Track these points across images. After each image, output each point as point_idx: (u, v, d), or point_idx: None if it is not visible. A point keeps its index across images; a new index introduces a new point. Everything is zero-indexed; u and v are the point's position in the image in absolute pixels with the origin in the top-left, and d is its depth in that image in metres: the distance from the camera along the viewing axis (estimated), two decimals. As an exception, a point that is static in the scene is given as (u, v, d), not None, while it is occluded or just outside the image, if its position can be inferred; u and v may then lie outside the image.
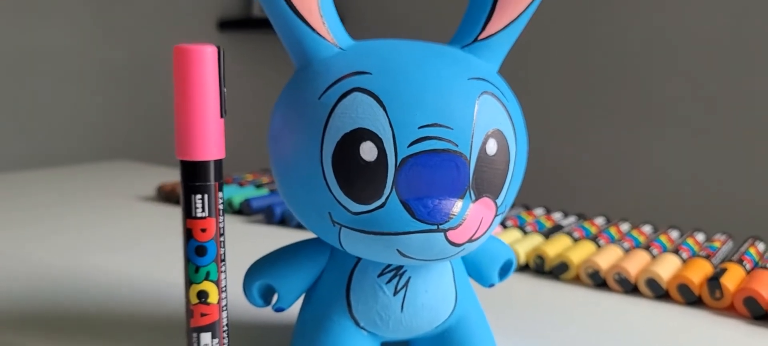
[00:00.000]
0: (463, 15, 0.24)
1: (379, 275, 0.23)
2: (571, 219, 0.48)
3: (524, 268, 0.39)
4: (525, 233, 0.43)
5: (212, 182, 0.21)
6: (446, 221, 0.20)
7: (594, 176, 1.33)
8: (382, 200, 0.20)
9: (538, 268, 0.38)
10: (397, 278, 0.23)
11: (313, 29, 0.22)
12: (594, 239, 0.41)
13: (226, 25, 1.55)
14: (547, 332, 0.30)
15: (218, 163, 0.21)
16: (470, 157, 0.21)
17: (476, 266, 0.26)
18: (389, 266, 0.23)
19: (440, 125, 0.20)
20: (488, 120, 0.21)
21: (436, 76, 0.21)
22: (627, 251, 0.39)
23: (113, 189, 0.64)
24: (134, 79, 1.40)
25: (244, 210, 0.52)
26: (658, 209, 1.18)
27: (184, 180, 0.21)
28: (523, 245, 0.39)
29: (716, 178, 1.19)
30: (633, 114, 1.29)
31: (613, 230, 0.44)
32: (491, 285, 0.27)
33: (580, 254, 0.38)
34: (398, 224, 0.20)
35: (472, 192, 0.21)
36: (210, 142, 0.21)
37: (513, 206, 0.52)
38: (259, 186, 0.59)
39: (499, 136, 0.21)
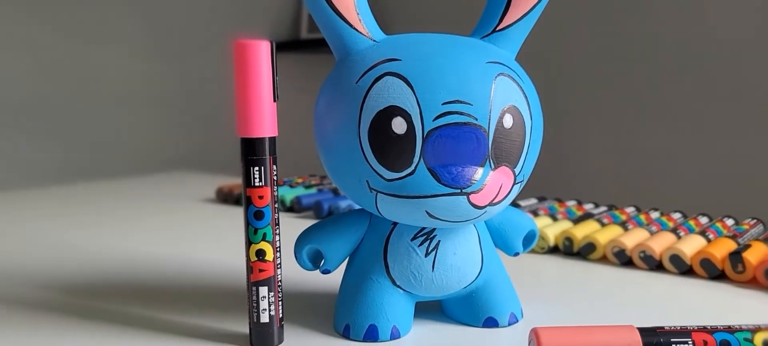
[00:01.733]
0: (483, 9, 0.27)
1: (412, 239, 0.26)
2: (602, 209, 0.50)
3: (554, 249, 0.41)
4: (555, 219, 0.45)
5: (267, 156, 0.24)
6: (468, 186, 0.23)
7: (629, 171, 1.33)
8: (412, 167, 0.23)
9: (567, 249, 0.40)
10: (428, 242, 0.26)
11: (350, 25, 0.25)
12: (622, 224, 0.43)
13: (285, 46, 1.62)
14: (574, 304, 0.32)
15: (272, 140, 0.25)
16: (489, 130, 0.24)
17: (501, 235, 0.29)
18: (421, 230, 0.26)
19: (461, 101, 0.23)
20: (504, 97, 0.24)
21: (458, 60, 0.24)
22: (653, 233, 0.40)
23: (177, 194, 0.69)
24: (190, 97, 1.48)
25: (294, 207, 0.56)
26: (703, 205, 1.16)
27: (244, 155, 0.24)
28: (552, 229, 0.42)
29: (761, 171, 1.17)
30: (678, 110, 1.29)
31: (642, 217, 0.45)
32: (516, 254, 0.30)
33: (607, 235, 0.40)
34: (426, 188, 0.23)
35: (491, 161, 0.24)
36: (265, 122, 0.24)
37: (545, 198, 0.54)
38: (308, 187, 0.63)
39: (514, 111, 0.24)
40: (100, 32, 1.38)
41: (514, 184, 0.25)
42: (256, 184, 0.24)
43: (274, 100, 0.25)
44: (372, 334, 0.26)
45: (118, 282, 0.35)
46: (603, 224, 0.43)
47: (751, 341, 0.22)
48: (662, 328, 0.23)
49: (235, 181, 0.68)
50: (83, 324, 0.29)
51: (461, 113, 0.23)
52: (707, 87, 1.24)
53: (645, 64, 1.32)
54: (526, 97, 0.25)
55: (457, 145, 0.23)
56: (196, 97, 1.48)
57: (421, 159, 0.23)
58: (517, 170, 0.25)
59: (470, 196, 0.24)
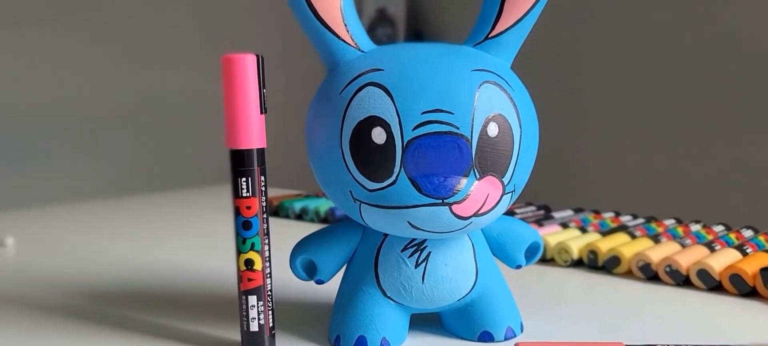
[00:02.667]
0: (477, 17, 0.27)
1: (403, 250, 0.26)
2: (639, 221, 0.48)
3: (578, 263, 0.40)
4: (585, 231, 0.43)
5: (255, 167, 0.25)
6: (451, 196, 0.23)
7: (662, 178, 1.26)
8: (393, 177, 0.23)
9: (591, 263, 0.39)
10: (418, 253, 0.26)
11: (338, 36, 0.25)
12: (655, 236, 0.41)
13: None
14: (584, 320, 0.31)
15: (260, 151, 0.25)
16: (471, 139, 0.23)
17: (501, 246, 0.28)
18: (412, 241, 0.26)
19: (442, 110, 0.23)
20: (489, 105, 0.23)
21: (441, 68, 0.24)
22: (686, 246, 0.38)
23: (221, 206, 0.71)
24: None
25: (328, 218, 0.57)
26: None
27: (232, 166, 0.25)
28: (577, 242, 0.40)
29: None
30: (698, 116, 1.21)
31: (679, 229, 0.43)
32: (518, 266, 0.29)
33: (633, 248, 0.38)
34: (407, 198, 0.23)
35: (476, 170, 0.23)
36: (253, 134, 0.25)
37: (581, 209, 0.52)
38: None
39: (500, 119, 0.24)
40: (155, 50, 1.45)
41: (504, 194, 0.24)
42: (244, 194, 0.25)
43: (262, 113, 0.25)
44: (361, 345, 0.26)
45: (140, 290, 0.37)
46: (633, 237, 0.41)
47: (752, 363, 0.21)
48: (654, 346, 0.21)
49: (275, 193, 0.69)
50: (111, 331, 0.30)
51: (442, 122, 0.23)
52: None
53: (711, 69, 1.25)
54: (514, 105, 0.24)
55: (438, 155, 0.23)
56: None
57: (402, 169, 0.23)
58: (505, 180, 0.24)
59: (452, 206, 0.23)
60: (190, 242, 0.51)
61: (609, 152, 1.40)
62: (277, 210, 0.61)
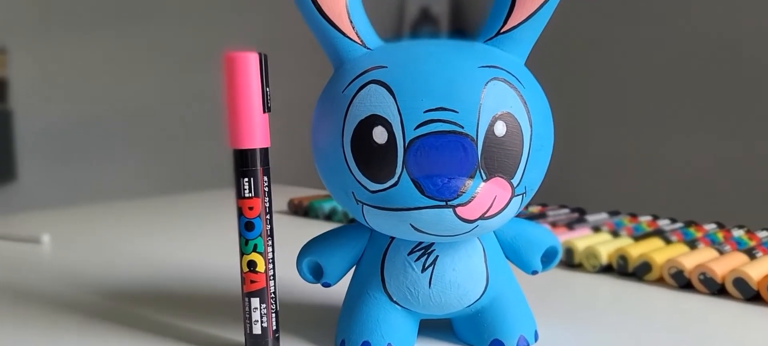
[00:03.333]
0: (489, 10, 0.26)
1: (409, 253, 0.25)
2: (678, 225, 0.45)
3: (607, 269, 0.38)
4: (617, 235, 0.41)
5: (258, 167, 0.25)
6: (455, 198, 0.22)
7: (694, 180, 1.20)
8: (395, 178, 0.22)
9: (621, 269, 0.37)
10: (425, 256, 0.25)
11: (343, 33, 0.25)
12: (692, 242, 0.38)
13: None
14: (605, 329, 0.29)
15: (263, 151, 0.25)
16: (477, 138, 0.22)
17: (515, 251, 0.27)
18: (419, 244, 0.25)
19: (446, 109, 0.22)
20: (496, 103, 0.22)
21: (446, 65, 0.23)
22: (724, 253, 0.36)
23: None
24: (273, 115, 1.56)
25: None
26: None
27: (236, 166, 0.25)
28: (607, 246, 0.38)
29: None
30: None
31: (719, 235, 0.41)
32: (534, 272, 0.27)
33: (666, 254, 0.36)
34: (410, 200, 0.22)
35: (482, 171, 0.22)
36: (256, 134, 0.24)
37: (617, 212, 0.50)
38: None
39: (509, 118, 0.22)
40: (197, 53, 1.48)
41: (514, 196, 0.23)
42: (247, 195, 0.25)
43: (265, 112, 0.25)
44: (365, 351, 0.25)
45: (161, 290, 0.37)
46: (668, 242, 0.39)
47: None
48: (670, 362, 0.20)
49: (306, 193, 0.69)
50: (118, 328, 0.30)
51: (445, 121, 0.22)
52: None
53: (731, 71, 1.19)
54: (525, 103, 0.23)
55: (442, 155, 0.22)
56: (277, 114, 1.55)
57: (405, 169, 0.22)
58: (514, 182, 0.23)
59: (457, 209, 0.22)
60: (208, 241, 0.51)
61: (652, 153, 1.34)
62: (307, 210, 0.61)
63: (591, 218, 0.48)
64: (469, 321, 0.26)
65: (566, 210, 0.52)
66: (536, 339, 0.27)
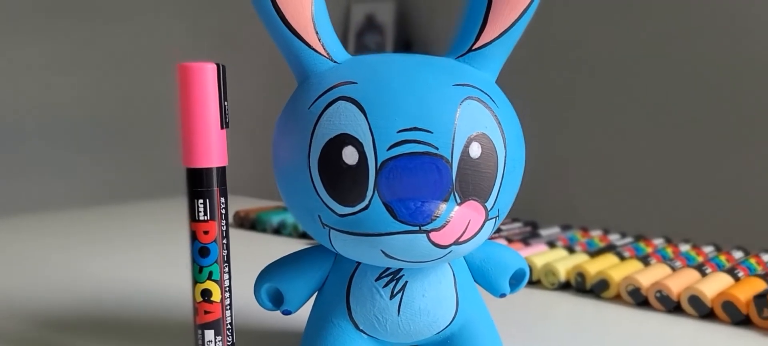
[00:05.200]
0: (460, 26, 0.25)
1: (377, 279, 0.24)
2: (628, 239, 0.46)
3: (565, 286, 0.38)
4: (572, 251, 0.42)
5: (214, 188, 0.23)
6: (428, 223, 0.21)
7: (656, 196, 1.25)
8: (366, 202, 0.21)
9: (579, 286, 0.37)
10: (393, 282, 0.24)
11: (308, 45, 0.23)
12: (644, 258, 0.39)
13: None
14: (571, 347, 0.29)
15: (220, 170, 0.23)
16: (452, 160, 0.21)
17: (484, 274, 0.26)
18: (387, 270, 0.24)
19: (420, 129, 0.21)
20: (471, 124, 0.21)
21: (419, 83, 0.22)
22: (676, 269, 0.37)
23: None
24: (236, 123, 1.51)
25: (307, 234, 0.54)
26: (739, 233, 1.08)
27: (189, 186, 0.23)
28: (565, 263, 0.38)
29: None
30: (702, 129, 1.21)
31: (669, 250, 0.41)
32: (502, 295, 0.27)
33: (623, 271, 0.36)
34: (381, 225, 0.21)
35: (456, 194, 0.21)
36: (212, 151, 0.23)
37: (570, 226, 0.50)
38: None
39: (484, 139, 0.22)
40: (152, 55, 1.42)
41: (487, 220, 0.22)
42: (201, 218, 0.23)
43: (223, 128, 0.23)
44: (330, 383, 0.24)
45: (95, 314, 0.34)
46: (622, 258, 0.39)
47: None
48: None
49: (253, 204, 0.67)
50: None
51: (419, 142, 0.21)
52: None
53: (698, 85, 1.25)
54: (499, 123, 0.22)
55: (415, 178, 0.21)
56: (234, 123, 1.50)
57: (376, 192, 0.21)
58: (489, 205, 0.22)
59: (430, 234, 0.21)
60: (146, 258, 0.48)
61: (597, 167, 1.39)
62: (254, 223, 0.59)
63: (544, 232, 0.49)
64: (437, 348, 0.25)
65: (519, 224, 0.52)
66: (505, 365, 0.26)
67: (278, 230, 0.56)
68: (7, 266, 0.45)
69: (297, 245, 0.51)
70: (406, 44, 1.78)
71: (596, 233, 0.48)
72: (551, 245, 0.43)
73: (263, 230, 0.57)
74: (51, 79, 1.34)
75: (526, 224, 0.52)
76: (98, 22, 1.39)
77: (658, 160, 1.31)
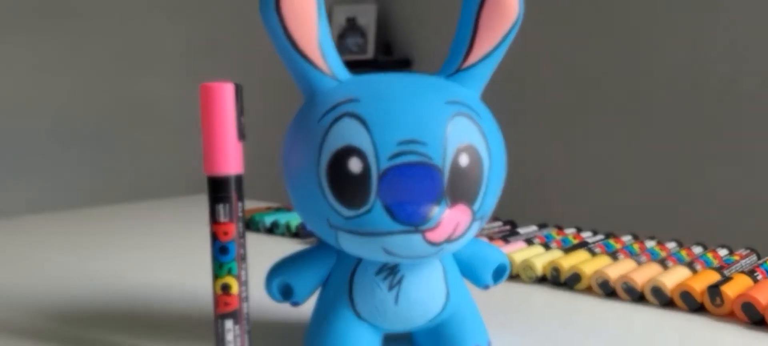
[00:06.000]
0: (449, 48, 0.28)
1: (377, 273, 0.27)
2: (599, 237, 0.50)
3: (542, 279, 0.41)
4: (548, 248, 0.45)
5: (232, 193, 0.26)
6: (423, 223, 0.24)
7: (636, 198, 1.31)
8: (369, 205, 0.24)
9: (554, 279, 0.40)
10: (391, 276, 0.27)
11: (315, 66, 0.26)
12: (613, 253, 0.43)
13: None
14: (546, 335, 0.32)
15: (238, 177, 0.26)
16: (443, 168, 0.24)
17: (469, 268, 0.29)
18: (385, 265, 0.27)
19: (416, 141, 0.24)
20: (460, 136, 0.25)
21: (415, 100, 0.25)
22: (641, 263, 0.40)
23: (195, 217, 0.71)
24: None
25: (300, 233, 0.57)
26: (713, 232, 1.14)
27: (210, 192, 0.25)
28: (541, 259, 0.42)
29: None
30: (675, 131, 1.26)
31: (636, 246, 0.45)
32: (485, 286, 0.30)
33: (593, 265, 0.40)
34: (382, 225, 0.24)
35: (447, 198, 0.24)
36: (230, 160, 0.25)
37: (545, 225, 0.54)
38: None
39: (471, 150, 0.25)
40: (141, 60, 1.43)
41: (473, 221, 0.25)
42: (221, 220, 0.25)
43: (240, 139, 0.26)
44: (335, 366, 0.27)
45: (114, 308, 0.37)
46: (594, 254, 0.43)
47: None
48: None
49: (252, 205, 0.69)
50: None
51: (415, 153, 0.24)
52: (730, 110, 1.22)
53: (662, 93, 1.30)
54: (484, 135, 0.25)
55: (412, 184, 0.24)
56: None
57: (377, 197, 0.24)
58: (475, 207, 0.25)
59: (425, 233, 0.24)
60: (160, 256, 0.51)
61: (573, 168, 1.44)
62: (248, 223, 0.61)
63: (522, 230, 0.52)
64: (429, 334, 0.28)
65: (499, 223, 0.55)
66: (489, 348, 0.29)
67: (271, 230, 0.59)
68: (7, 266, 0.47)
69: (289, 243, 0.54)
70: (386, 46, 1.81)
71: (570, 231, 0.52)
72: (529, 242, 0.47)
73: (257, 230, 0.59)
74: (42, 80, 1.34)
75: (506, 223, 0.55)
76: (89, 24, 1.39)
77: (625, 165, 1.36)
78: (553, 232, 0.51)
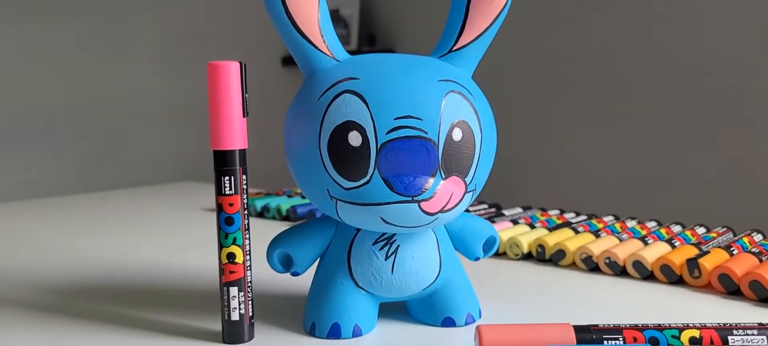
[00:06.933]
0: (443, 30, 0.29)
1: (374, 243, 0.28)
2: (582, 218, 0.52)
3: (528, 256, 0.43)
4: (533, 228, 0.47)
5: (237, 167, 0.27)
6: (419, 194, 0.25)
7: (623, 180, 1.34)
8: (368, 177, 0.26)
9: (540, 256, 0.42)
10: (387, 246, 0.28)
11: (315, 46, 0.27)
12: (596, 232, 0.44)
13: (289, 60, 1.66)
14: (535, 306, 0.34)
15: (242, 152, 0.27)
16: (438, 142, 0.26)
17: (461, 240, 0.31)
18: (382, 236, 0.28)
19: (412, 116, 0.25)
20: (454, 112, 0.26)
21: (411, 78, 0.26)
22: (623, 241, 0.42)
23: (184, 203, 0.71)
24: (203, 112, 1.53)
25: (290, 216, 0.58)
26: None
27: (216, 165, 0.27)
28: (527, 237, 0.43)
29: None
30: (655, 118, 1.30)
31: (618, 226, 0.47)
32: (476, 258, 0.31)
33: (577, 242, 0.41)
34: (380, 196, 0.25)
35: (442, 171, 0.26)
36: (235, 136, 0.27)
37: (529, 207, 0.56)
38: (303, 196, 0.65)
39: (464, 125, 0.26)
40: (121, 48, 1.43)
41: (466, 193, 0.27)
42: (227, 192, 0.27)
43: (244, 116, 0.27)
44: (335, 332, 0.28)
45: (115, 285, 0.38)
46: (577, 232, 0.45)
47: (678, 338, 0.24)
48: (596, 326, 0.24)
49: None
50: (77, 323, 0.31)
51: (412, 128, 0.25)
52: (709, 93, 1.25)
53: (650, 74, 1.33)
54: (476, 112, 0.27)
55: (409, 157, 0.25)
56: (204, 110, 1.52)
57: (376, 169, 0.25)
58: (467, 180, 0.27)
59: (421, 203, 0.26)
60: (158, 238, 0.52)
61: (555, 154, 1.46)
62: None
63: (508, 212, 0.54)
64: (423, 302, 0.30)
65: (484, 206, 0.57)
66: (480, 316, 0.31)
67: (262, 214, 0.60)
68: (21, 244, 0.48)
69: (281, 225, 0.55)
70: (370, 37, 1.82)
71: (554, 213, 0.53)
72: (515, 222, 0.49)
73: (249, 214, 0.60)
74: (23, 67, 1.33)
75: (491, 206, 0.57)
76: (69, 9, 1.38)
77: (609, 150, 1.39)
78: (538, 213, 0.53)
